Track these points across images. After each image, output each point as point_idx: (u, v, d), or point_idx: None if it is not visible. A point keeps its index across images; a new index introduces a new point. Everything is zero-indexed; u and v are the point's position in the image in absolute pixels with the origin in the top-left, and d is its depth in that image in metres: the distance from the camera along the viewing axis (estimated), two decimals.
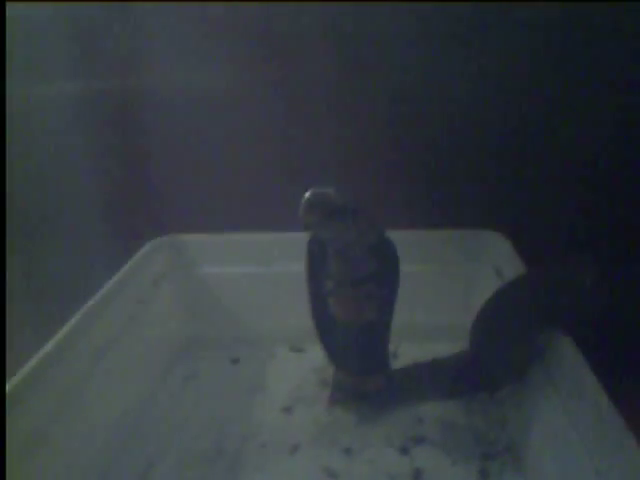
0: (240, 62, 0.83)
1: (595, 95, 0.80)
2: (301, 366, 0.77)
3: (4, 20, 0.71)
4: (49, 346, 0.55)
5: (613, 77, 0.78)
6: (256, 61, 0.82)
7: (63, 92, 0.84)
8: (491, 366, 0.64)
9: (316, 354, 0.77)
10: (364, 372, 0.66)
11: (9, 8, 0.72)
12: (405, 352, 0.75)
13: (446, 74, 0.81)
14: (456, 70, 0.81)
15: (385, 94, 0.82)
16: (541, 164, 0.83)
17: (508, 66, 0.80)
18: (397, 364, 0.72)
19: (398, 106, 0.82)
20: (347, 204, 0.56)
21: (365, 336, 0.63)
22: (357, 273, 0.60)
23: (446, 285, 0.79)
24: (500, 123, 0.82)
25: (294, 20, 0.79)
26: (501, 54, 0.79)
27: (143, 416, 0.68)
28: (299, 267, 0.80)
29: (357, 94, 0.83)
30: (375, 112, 0.83)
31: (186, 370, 0.77)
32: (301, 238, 0.80)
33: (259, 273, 0.82)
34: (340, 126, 0.84)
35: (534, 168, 0.83)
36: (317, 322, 0.66)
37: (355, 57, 0.81)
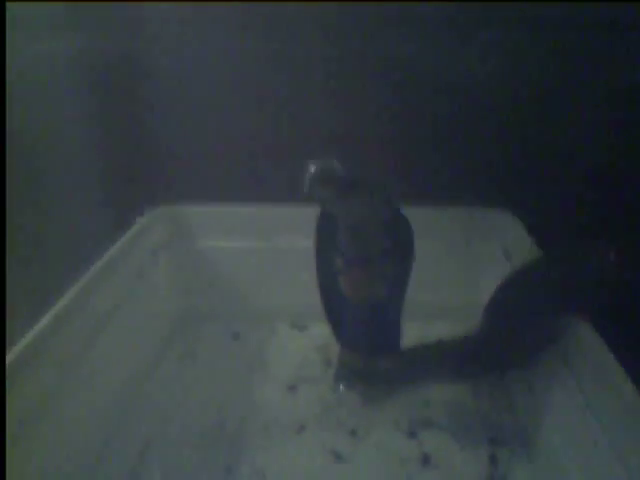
0: (242, 31, 0.80)
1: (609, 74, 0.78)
2: (303, 343, 0.75)
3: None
4: (45, 320, 0.52)
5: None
6: (257, 32, 0.79)
7: (59, 54, 0.80)
8: (503, 348, 0.62)
9: (318, 331, 0.76)
10: (373, 353, 0.64)
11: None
12: (410, 331, 0.72)
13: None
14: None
15: (390, 68, 0.80)
16: (556, 146, 0.81)
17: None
18: (403, 344, 0.69)
19: (403, 79, 0.79)
20: (360, 178, 0.53)
21: (375, 315, 0.61)
22: (370, 250, 0.57)
23: (453, 264, 0.77)
24: (516, 99, 0.79)
25: None
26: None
27: (141, 392, 0.66)
28: (302, 242, 0.77)
29: (360, 67, 0.80)
30: (380, 85, 0.81)
31: (185, 346, 0.75)
32: (305, 212, 0.77)
33: (261, 247, 0.79)
34: (344, 98, 0.82)
35: (548, 149, 0.81)
36: (325, 300, 0.63)
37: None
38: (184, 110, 0.83)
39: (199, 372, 0.70)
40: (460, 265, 0.77)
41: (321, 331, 0.75)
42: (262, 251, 0.79)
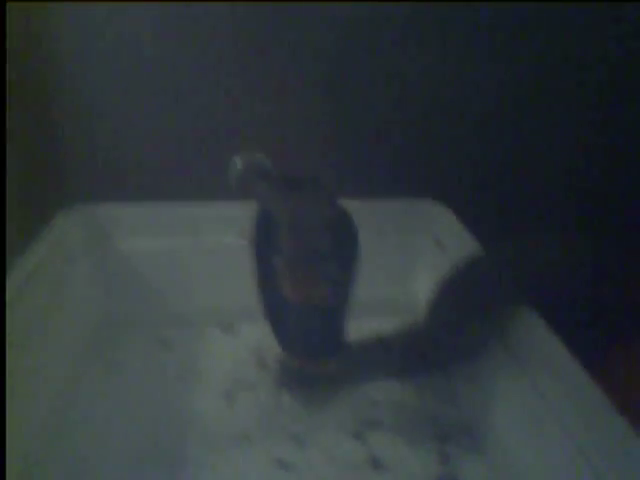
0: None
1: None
2: (235, 347, 0.71)
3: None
4: None
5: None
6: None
7: None
8: (447, 342, 0.61)
9: (249, 332, 0.73)
10: (315, 356, 0.61)
11: None
12: None
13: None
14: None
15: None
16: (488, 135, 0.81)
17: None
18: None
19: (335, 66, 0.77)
20: (299, 173, 0.51)
21: (318, 318, 0.58)
22: (311, 249, 0.54)
23: (385, 256, 0.75)
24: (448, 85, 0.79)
25: None
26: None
27: (68, 408, 0.60)
28: (228, 239, 0.75)
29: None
30: (310, 74, 0.78)
31: (109, 357, 0.69)
32: (230, 208, 0.75)
33: (184, 246, 0.75)
34: (271, 87, 0.78)
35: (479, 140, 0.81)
36: (264, 301, 0.61)
37: None
38: (102, 100, 0.77)
39: (127, 383, 0.65)
40: (393, 257, 0.76)
41: (252, 332, 0.73)
42: (186, 250, 0.75)
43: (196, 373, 0.67)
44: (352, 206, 0.71)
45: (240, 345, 0.71)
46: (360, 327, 0.68)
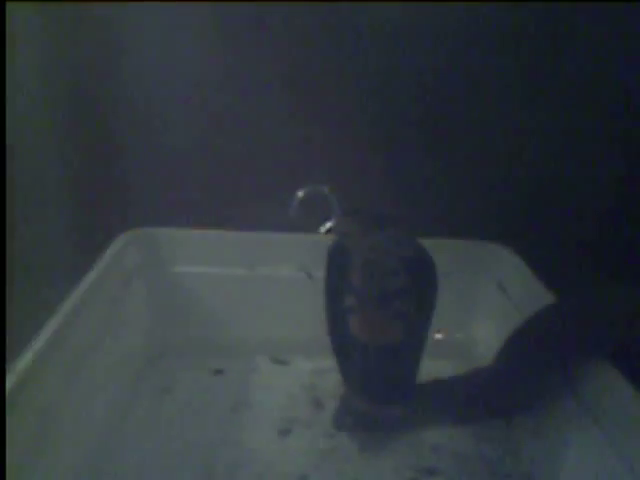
0: (222, 46, 0.75)
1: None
2: (288, 381, 0.70)
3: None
4: (23, 362, 0.46)
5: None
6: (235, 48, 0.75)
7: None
8: (513, 392, 0.59)
9: (301, 368, 0.72)
10: (382, 400, 0.59)
11: None
12: None
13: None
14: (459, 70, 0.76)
15: (385, 94, 0.77)
16: (557, 177, 0.80)
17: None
18: None
19: (398, 107, 0.77)
20: (383, 210, 0.51)
21: (389, 360, 0.55)
22: (387, 288, 0.52)
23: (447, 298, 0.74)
24: (513, 132, 0.78)
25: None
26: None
27: (118, 436, 0.59)
28: (285, 271, 0.74)
29: (352, 91, 0.77)
30: (372, 113, 0.77)
31: (162, 381, 0.68)
32: (288, 240, 0.74)
33: (241, 275, 0.74)
34: (333, 124, 0.78)
35: (549, 182, 0.80)
36: (333, 340, 0.59)
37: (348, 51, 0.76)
38: (169, 124, 0.77)
39: (179, 411, 0.64)
40: (454, 298, 0.74)
41: (305, 367, 0.71)
42: (243, 279, 0.74)
43: (249, 405, 0.65)
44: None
45: (293, 380, 0.70)
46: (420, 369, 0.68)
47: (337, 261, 0.55)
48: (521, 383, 0.58)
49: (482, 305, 0.74)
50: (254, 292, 0.74)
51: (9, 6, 0.64)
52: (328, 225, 0.72)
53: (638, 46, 0.74)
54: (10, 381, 0.43)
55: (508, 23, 0.74)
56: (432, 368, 0.69)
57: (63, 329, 0.52)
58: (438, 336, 0.72)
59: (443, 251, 0.72)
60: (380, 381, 0.57)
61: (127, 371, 0.67)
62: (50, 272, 0.69)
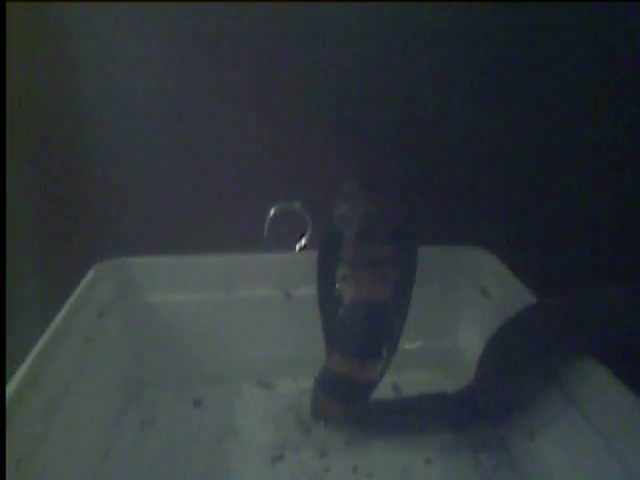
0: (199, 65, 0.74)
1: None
2: (273, 404, 0.68)
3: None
4: None
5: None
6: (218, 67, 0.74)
7: None
8: (499, 396, 0.58)
9: (286, 389, 0.70)
10: (368, 356, 0.59)
11: None
12: (388, 379, 0.67)
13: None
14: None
15: (367, 102, 0.76)
16: (534, 178, 0.79)
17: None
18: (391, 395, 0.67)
19: (380, 114, 0.76)
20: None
21: (374, 317, 0.59)
22: (375, 254, 0.57)
23: (428, 305, 0.72)
24: (491, 135, 0.78)
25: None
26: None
27: (102, 473, 0.57)
28: (262, 292, 0.72)
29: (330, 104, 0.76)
30: (345, 120, 0.77)
31: (143, 414, 0.66)
32: (263, 259, 0.73)
33: (218, 299, 0.72)
34: (303, 138, 0.77)
35: (526, 182, 0.79)
36: (323, 314, 0.62)
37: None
38: (134, 153, 0.76)
39: (164, 443, 0.62)
40: (436, 305, 0.73)
41: (289, 388, 0.70)
42: (220, 303, 0.72)
43: (235, 433, 0.63)
44: None
45: (277, 402, 0.68)
46: (404, 378, 0.69)
47: (329, 241, 0.59)
48: (505, 385, 0.57)
49: (466, 311, 0.73)
50: (233, 315, 0.72)
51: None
52: (303, 242, 0.71)
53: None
54: None
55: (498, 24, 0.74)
56: (420, 377, 0.70)
57: (38, 370, 0.50)
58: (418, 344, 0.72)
59: (425, 257, 0.71)
60: (366, 338, 0.59)
61: (107, 406, 0.65)
62: (22, 310, 0.67)
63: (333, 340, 0.61)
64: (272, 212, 0.71)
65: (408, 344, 0.70)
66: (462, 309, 0.73)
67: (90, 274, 0.67)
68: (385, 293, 0.59)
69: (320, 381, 0.62)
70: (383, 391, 0.62)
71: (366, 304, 0.59)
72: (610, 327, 0.54)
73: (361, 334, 0.59)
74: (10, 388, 0.46)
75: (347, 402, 0.61)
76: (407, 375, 0.69)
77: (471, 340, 0.71)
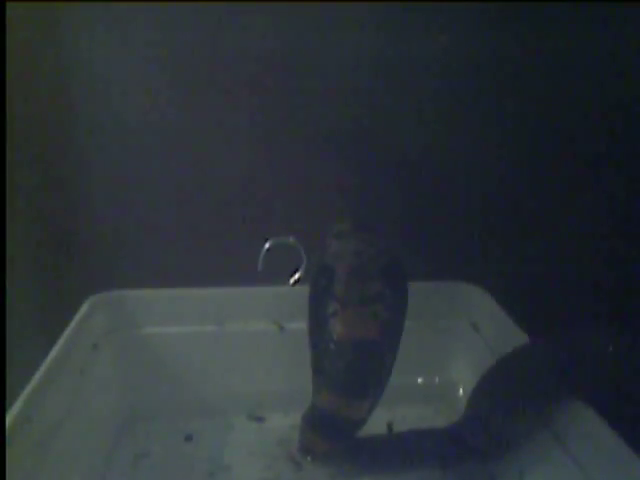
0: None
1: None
2: (264, 439, 0.68)
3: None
4: None
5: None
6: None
7: None
8: (489, 435, 0.59)
9: (277, 423, 0.70)
10: (355, 395, 0.59)
11: None
12: (376, 415, 0.67)
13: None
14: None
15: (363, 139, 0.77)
16: (527, 216, 0.80)
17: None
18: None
19: (367, 148, 0.77)
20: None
21: (363, 356, 0.59)
22: (367, 291, 0.57)
23: (419, 341, 0.73)
24: (483, 173, 0.79)
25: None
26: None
27: None
28: (255, 325, 0.73)
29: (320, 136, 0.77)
30: (337, 157, 0.78)
31: (137, 447, 0.66)
32: (256, 293, 0.73)
33: (211, 333, 0.72)
34: (297, 173, 0.78)
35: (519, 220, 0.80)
36: (312, 348, 0.61)
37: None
38: (130, 187, 0.77)
39: (156, 477, 0.62)
40: (427, 341, 0.73)
41: (281, 422, 0.70)
42: (213, 337, 0.72)
43: (227, 469, 0.63)
44: None
45: (268, 436, 0.68)
46: (394, 413, 0.69)
47: (320, 277, 0.59)
48: (495, 423, 0.58)
49: (458, 347, 0.74)
50: (225, 349, 0.72)
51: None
52: (297, 276, 0.72)
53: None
54: None
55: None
56: (414, 414, 0.70)
57: (31, 405, 0.50)
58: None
59: (416, 293, 0.72)
60: (355, 376, 0.59)
61: (101, 438, 0.65)
62: (17, 343, 0.67)
63: (321, 377, 0.61)
64: (267, 246, 0.72)
65: (401, 380, 0.70)
66: (454, 345, 0.74)
67: (85, 306, 0.67)
68: (375, 332, 0.58)
69: (307, 418, 0.62)
70: (377, 427, 0.62)
71: (355, 342, 0.58)
72: (600, 371, 0.55)
73: (349, 372, 0.59)
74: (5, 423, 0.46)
75: (333, 439, 0.61)
76: (400, 411, 0.70)
77: (464, 376, 0.72)
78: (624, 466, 0.46)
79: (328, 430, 0.61)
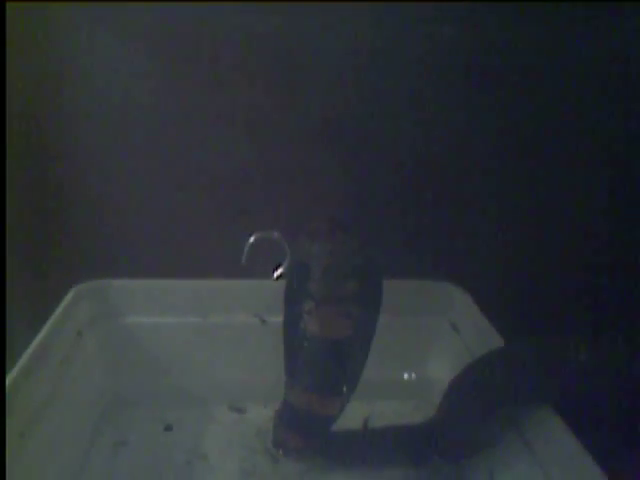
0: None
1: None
2: (243, 430, 0.69)
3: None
4: None
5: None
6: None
7: None
8: (460, 434, 0.60)
9: (257, 415, 0.71)
10: (328, 391, 0.60)
11: None
12: (354, 410, 0.69)
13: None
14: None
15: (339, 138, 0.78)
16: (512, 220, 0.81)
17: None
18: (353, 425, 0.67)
19: (345, 148, 0.78)
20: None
21: (336, 354, 0.59)
22: (341, 291, 0.58)
23: (400, 338, 0.74)
24: (468, 173, 0.79)
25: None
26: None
27: None
28: (237, 318, 0.74)
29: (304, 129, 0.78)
30: (321, 154, 0.78)
31: (117, 435, 0.67)
32: (240, 286, 0.74)
33: (194, 324, 0.74)
34: (284, 168, 0.79)
35: (499, 220, 0.81)
36: (287, 339, 0.62)
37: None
38: (115, 178, 0.77)
39: (135, 465, 0.63)
40: (407, 339, 0.74)
41: (261, 414, 0.71)
42: (196, 328, 0.74)
43: (205, 458, 0.64)
44: None
45: (248, 428, 0.69)
46: (372, 410, 0.70)
47: (296, 274, 0.60)
48: (465, 424, 0.59)
49: (436, 345, 0.75)
50: (208, 340, 0.73)
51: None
52: (280, 270, 0.73)
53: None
54: None
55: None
56: (389, 409, 0.71)
57: (14, 391, 0.52)
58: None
59: (395, 292, 0.73)
60: (327, 372, 0.60)
61: (81, 427, 0.66)
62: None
63: (294, 373, 0.62)
64: (251, 240, 0.72)
65: (380, 375, 0.72)
66: (433, 343, 0.75)
67: (70, 295, 0.68)
68: (348, 330, 0.59)
69: (280, 413, 0.63)
70: (354, 422, 0.64)
71: (329, 340, 0.59)
72: (572, 381, 0.56)
73: (322, 370, 0.60)
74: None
75: (306, 435, 0.62)
76: (378, 406, 0.71)
77: (441, 374, 0.72)
78: (583, 472, 0.47)
79: (301, 426, 0.62)
